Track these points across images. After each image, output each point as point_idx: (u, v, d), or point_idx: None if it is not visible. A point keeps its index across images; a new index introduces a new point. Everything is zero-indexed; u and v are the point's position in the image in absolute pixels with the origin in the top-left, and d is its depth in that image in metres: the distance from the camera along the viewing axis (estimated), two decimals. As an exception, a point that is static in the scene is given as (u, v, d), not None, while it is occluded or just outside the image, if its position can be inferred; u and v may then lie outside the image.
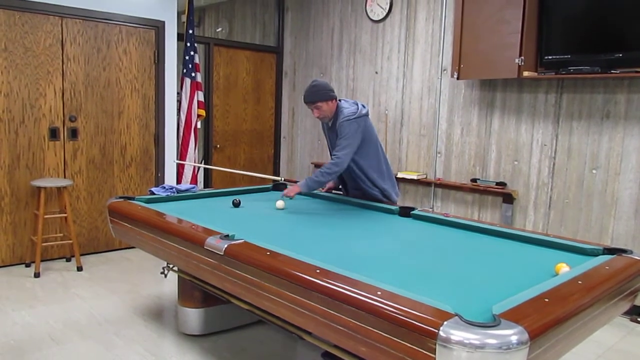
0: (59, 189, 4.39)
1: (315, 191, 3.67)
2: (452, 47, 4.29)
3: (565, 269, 2.00)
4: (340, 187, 3.63)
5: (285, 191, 3.28)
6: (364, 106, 3.28)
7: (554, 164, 4.00)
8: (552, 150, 4.00)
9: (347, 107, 3.24)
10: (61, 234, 4.53)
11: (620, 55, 3.43)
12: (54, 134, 4.42)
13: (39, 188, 4.14)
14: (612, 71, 3.45)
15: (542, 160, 4.06)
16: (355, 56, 5.38)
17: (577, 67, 3.59)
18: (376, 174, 3.32)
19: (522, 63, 3.79)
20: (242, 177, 4.62)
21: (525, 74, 3.81)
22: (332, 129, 3.30)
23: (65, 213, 4.29)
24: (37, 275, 4.12)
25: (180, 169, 5.20)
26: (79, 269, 4.31)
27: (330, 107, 3.24)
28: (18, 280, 4.05)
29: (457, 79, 4.25)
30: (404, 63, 4.94)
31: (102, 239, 4.82)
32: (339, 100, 3.31)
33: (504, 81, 4.22)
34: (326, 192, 3.65)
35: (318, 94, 3.20)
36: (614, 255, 2.22)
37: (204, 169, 5.69)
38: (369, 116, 3.32)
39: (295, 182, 3.42)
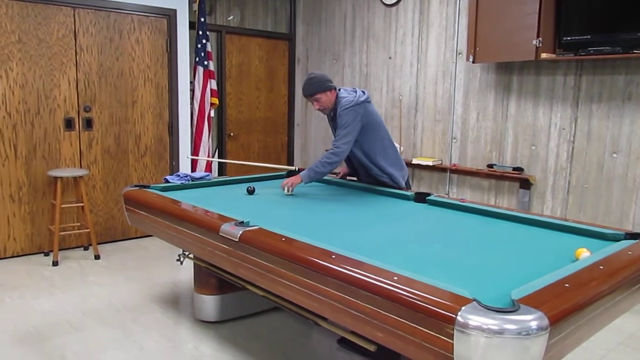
0: (75, 178, 4.43)
1: (330, 178, 3.65)
2: (467, 29, 4.21)
3: (585, 254, 1.96)
4: (353, 174, 3.60)
5: (284, 182, 3.19)
6: (363, 92, 3.23)
7: (572, 148, 3.92)
8: (571, 134, 3.92)
9: (346, 96, 3.20)
10: (78, 223, 4.59)
11: (642, 34, 3.33)
12: (69, 124, 4.46)
13: (56, 178, 4.18)
14: (635, 51, 3.35)
15: (561, 145, 3.98)
16: (368, 41, 5.32)
17: (597, 47, 3.49)
18: (383, 160, 3.28)
19: (540, 45, 3.70)
20: (256, 164, 4.64)
21: (543, 55, 3.72)
22: (334, 119, 3.27)
23: (82, 202, 4.33)
24: (55, 263, 4.17)
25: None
26: (97, 257, 4.36)
27: (329, 97, 3.20)
28: (37, 268, 4.11)
29: (473, 62, 4.17)
30: (418, 47, 4.86)
31: (118, 228, 4.87)
32: (338, 89, 3.27)
33: (520, 64, 4.14)
34: (340, 178, 3.63)
35: (315, 86, 3.17)
36: (637, 241, 2.17)
37: (218, 156, 5.70)
38: (370, 102, 3.26)
39: None
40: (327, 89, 3.18)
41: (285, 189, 3.16)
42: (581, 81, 3.83)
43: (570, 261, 1.93)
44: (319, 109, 3.25)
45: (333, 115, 3.27)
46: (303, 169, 3.31)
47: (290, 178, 3.20)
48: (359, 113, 3.14)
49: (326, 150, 3.24)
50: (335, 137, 3.20)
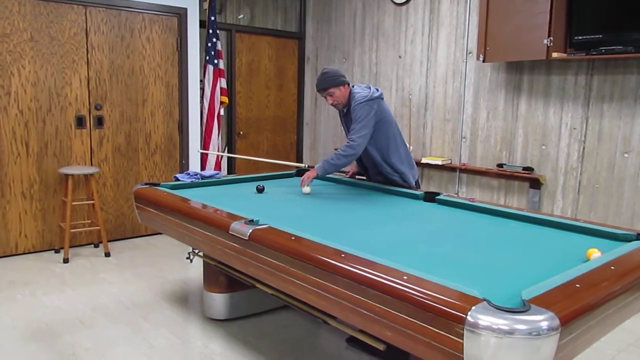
0: (86, 176, 4.46)
1: (339, 177, 3.66)
2: (477, 28, 4.19)
3: (596, 254, 1.95)
4: (362, 173, 3.60)
5: (302, 178, 3.21)
6: (377, 89, 3.24)
7: (583, 148, 3.89)
8: (582, 134, 3.89)
9: (359, 92, 3.20)
10: (89, 221, 4.62)
11: (655, 33, 3.29)
12: (80, 122, 4.49)
13: (67, 175, 4.22)
14: (647, 51, 3.33)
15: (571, 145, 3.95)
16: (378, 40, 5.31)
17: (609, 47, 3.46)
18: (395, 158, 3.28)
19: (551, 44, 3.67)
20: (265, 163, 4.64)
21: (554, 55, 3.69)
22: (347, 115, 3.27)
23: (93, 200, 4.36)
24: (66, 260, 4.21)
25: (204, 156, 5.24)
26: (107, 254, 4.39)
27: (343, 92, 3.21)
28: (48, 265, 4.15)
29: (483, 61, 4.15)
30: (428, 46, 4.85)
31: (128, 226, 4.90)
32: (352, 86, 3.28)
33: (531, 63, 4.11)
34: (350, 177, 3.63)
35: (329, 81, 3.18)
36: (648, 241, 2.15)
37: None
38: (383, 99, 3.27)
39: None
40: (340, 84, 3.19)
41: (304, 186, 3.16)
42: (592, 81, 3.80)
43: (581, 261, 1.92)
44: (332, 104, 3.26)
45: (346, 111, 3.28)
46: (313, 167, 3.31)
47: (306, 174, 3.20)
48: (373, 108, 3.14)
49: (335, 149, 3.24)
50: (349, 132, 3.20)
